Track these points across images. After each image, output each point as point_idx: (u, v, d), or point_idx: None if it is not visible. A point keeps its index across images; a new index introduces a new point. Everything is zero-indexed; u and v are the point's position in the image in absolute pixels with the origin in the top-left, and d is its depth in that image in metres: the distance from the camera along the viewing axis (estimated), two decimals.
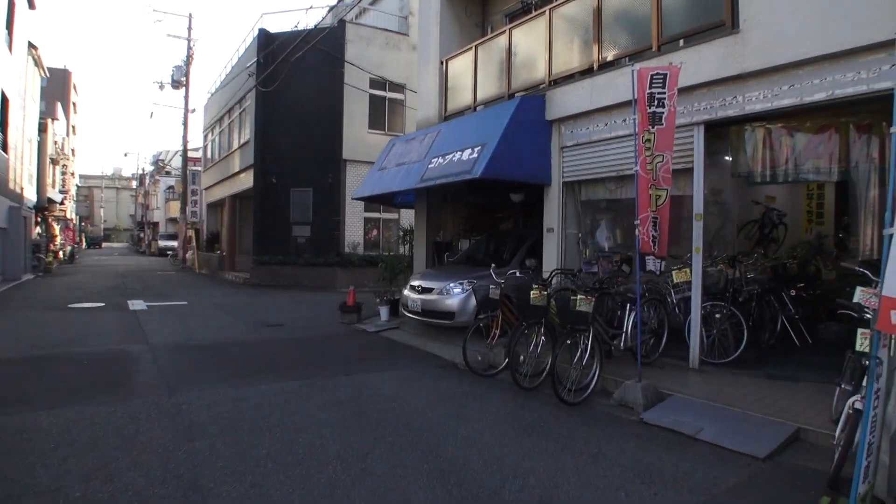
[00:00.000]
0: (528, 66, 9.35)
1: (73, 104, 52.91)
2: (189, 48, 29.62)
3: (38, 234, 27.04)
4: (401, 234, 14.94)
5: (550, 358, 6.31)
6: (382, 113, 20.04)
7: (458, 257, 11.23)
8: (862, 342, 3.83)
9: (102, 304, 13.52)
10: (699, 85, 6.62)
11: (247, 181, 21.40)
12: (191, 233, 30.24)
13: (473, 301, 8.68)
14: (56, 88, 43.99)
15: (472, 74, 10.45)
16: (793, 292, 7.79)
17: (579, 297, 5.96)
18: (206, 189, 29.79)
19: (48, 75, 30.29)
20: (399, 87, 19.93)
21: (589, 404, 5.88)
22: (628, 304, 6.86)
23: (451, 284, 9.08)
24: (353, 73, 18.89)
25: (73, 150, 48.31)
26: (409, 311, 9.79)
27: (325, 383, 6.65)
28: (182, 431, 4.93)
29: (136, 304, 13.56)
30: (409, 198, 12.46)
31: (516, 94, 9.31)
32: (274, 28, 24.53)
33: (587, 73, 8.19)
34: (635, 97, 5.98)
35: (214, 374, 7.10)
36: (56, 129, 32.42)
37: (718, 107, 6.55)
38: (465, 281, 8.97)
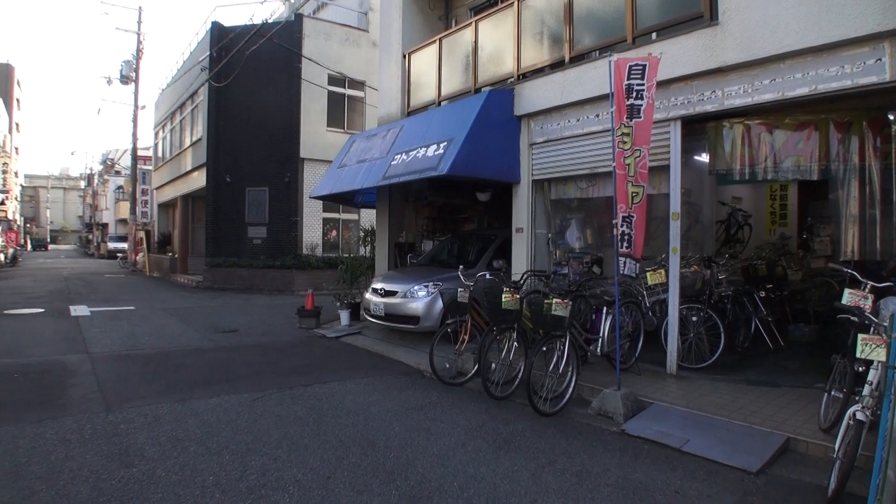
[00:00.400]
0: (496, 59, 8.98)
1: (17, 100, 50.82)
2: (139, 42, 28.42)
3: None
4: (361, 234, 14.41)
5: (524, 365, 5.97)
6: (342, 110, 19.47)
7: (423, 258, 10.81)
8: (863, 348, 3.58)
9: (42, 310, 12.63)
10: (676, 79, 6.34)
11: (199, 180, 20.51)
12: (141, 234, 28.99)
13: (440, 304, 8.29)
14: None
15: (437, 68, 10.04)
16: (762, 293, 7.65)
17: (554, 300, 5.60)
18: (157, 189, 28.65)
19: None
20: (359, 85, 19.42)
21: (566, 414, 5.53)
22: (604, 308, 6.55)
23: (416, 287, 8.66)
24: (310, 68, 18.28)
25: (16, 149, 46.33)
26: (372, 316, 9.33)
27: (281, 395, 6.15)
28: (118, 455, 4.38)
29: (79, 310, 12.71)
30: (369, 197, 11.99)
31: (483, 89, 8.93)
32: (228, 22, 23.69)
33: (558, 66, 7.86)
34: (612, 89, 5.67)
35: (159, 387, 6.49)
36: None
37: (696, 101, 6.28)
38: (431, 283, 8.57)
